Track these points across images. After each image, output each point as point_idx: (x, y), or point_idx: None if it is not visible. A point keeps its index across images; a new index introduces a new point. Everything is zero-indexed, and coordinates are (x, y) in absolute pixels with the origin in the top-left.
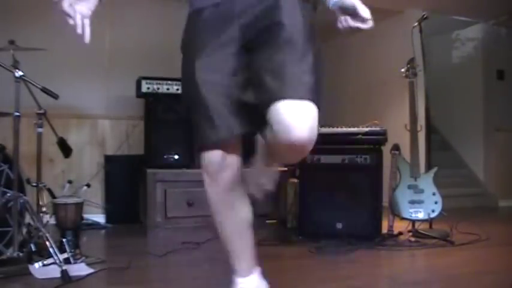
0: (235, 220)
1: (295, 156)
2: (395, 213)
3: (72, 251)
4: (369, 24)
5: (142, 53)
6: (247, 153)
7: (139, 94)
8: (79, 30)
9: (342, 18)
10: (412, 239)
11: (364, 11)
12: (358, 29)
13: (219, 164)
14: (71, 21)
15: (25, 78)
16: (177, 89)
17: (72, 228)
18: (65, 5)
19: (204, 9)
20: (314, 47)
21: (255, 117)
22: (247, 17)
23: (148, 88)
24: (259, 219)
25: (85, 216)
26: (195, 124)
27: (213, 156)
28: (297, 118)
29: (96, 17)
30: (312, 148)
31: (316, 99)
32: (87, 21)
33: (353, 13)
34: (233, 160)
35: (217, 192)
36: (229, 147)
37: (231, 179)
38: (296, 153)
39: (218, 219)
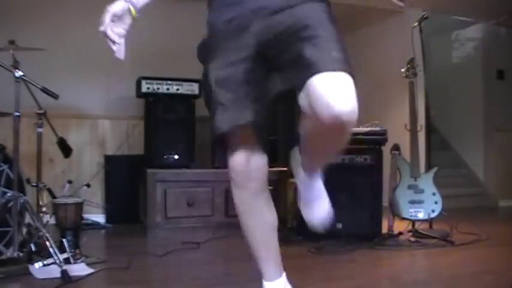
0: (262, 225)
1: (339, 137)
2: (395, 213)
3: (72, 251)
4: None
5: (142, 53)
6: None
7: (139, 94)
8: (118, 53)
9: None
10: (412, 239)
11: None
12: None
13: (246, 173)
14: (114, 47)
15: (25, 78)
16: (177, 89)
17: (72, 228)
18: (108, 32)
19: (217, 25)
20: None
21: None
22: (262, 24)
23: (148, 88)
24: None
25: (85, 216)
26: (211, 118)
27: (238, 165)
28: (336, 90)
29: (96, 17)
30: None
31: (352, 70)
32: (122, 41)
33: None
34: (258, 165)
35: (245, 200)
36: (248, 144)
37: (259, 188)
38: (341, 132)
39: (245, 225)
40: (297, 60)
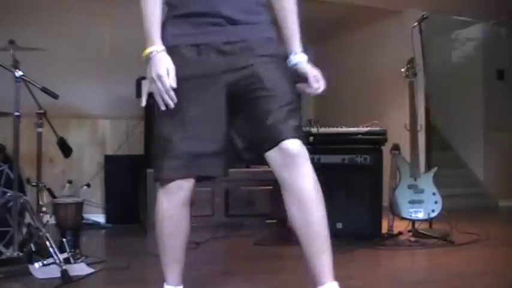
0: (182, 234)
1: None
2: (395, 213)
3: (72, 251)
4: (319, 91)
5: (142, 53)
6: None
7: (140, 94)
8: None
9: (298, 85)
10: (412, 238)
11: (316, 80)
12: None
13: (177, 186)
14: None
15: (25, 78)
16: None
17: (72, 228)
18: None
19: (179, 46)
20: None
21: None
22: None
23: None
24: (259, 219)
25: (85, 216)
26: (159, 148)
27: (172, 183)
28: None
29: (96, 17)
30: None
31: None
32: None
33: (305, 80)
34: (190, 184)
35: (172, 207)
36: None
37: (187, 198)
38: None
39: (165, 231)
40: (258, 124)
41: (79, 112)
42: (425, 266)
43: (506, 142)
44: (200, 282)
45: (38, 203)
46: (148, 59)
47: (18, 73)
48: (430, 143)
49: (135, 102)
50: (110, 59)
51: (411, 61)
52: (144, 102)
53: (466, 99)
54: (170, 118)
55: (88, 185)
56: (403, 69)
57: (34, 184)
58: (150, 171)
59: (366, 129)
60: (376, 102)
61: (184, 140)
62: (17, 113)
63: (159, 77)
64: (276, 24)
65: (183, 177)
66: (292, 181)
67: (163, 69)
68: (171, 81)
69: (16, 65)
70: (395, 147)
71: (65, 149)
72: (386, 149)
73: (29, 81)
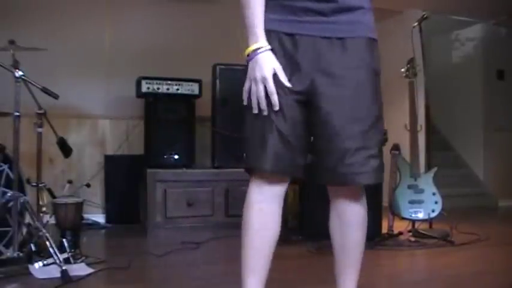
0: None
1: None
2: (395, 213)
3: (72, 251)
4: None
5: (142, 53)
6: None
7: (139, 94)
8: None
9: None
10: (412, 239)
11: None
12: None
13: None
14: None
15: (25, 78)
16: (177, 89)
17: (72, 228)
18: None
19: (273, 32)
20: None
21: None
22: (317, 66)
23: (148, 88)
24: None
25: (85, 216)
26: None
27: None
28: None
29: (96, 16)
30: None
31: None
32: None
33: None
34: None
35: (261, 201)
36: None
37: (279, 193)
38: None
39: (247, 232)
40: (331, 154)
41: (79, 112)
42: (425, 266)
43: (506, 142)
44: (200, 282)
45: (38, 203)
46: (250, 57)
47: (18, 73)
48: (430, 143)
49: (135, 102)
50: (110, 59)
51: (411, 61)
52: (246, 102)
53: (466, 99)
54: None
55: (88, 185)
56: (403, 69)
57: (34, 184)
58: (150, 171)
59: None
60: None
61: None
62: (17, 113)
63: (264, 80)
64: None
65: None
66: (340, 204)
67: (269, 69)
68: (284, 81)
69: (16, 65)
70: (396, 147)
71: (65, 149)
72: (386, 149)
73: (29, 81)
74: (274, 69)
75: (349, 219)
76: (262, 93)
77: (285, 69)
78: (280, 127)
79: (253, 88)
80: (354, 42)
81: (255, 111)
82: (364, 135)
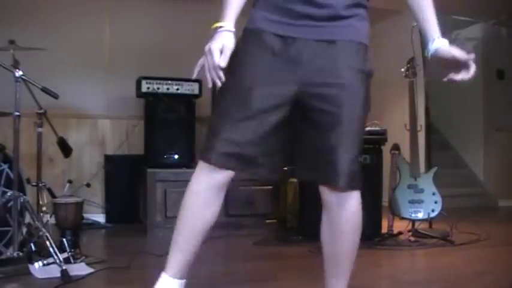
0: (203, 218)
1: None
2: (395, 213)
3: (72, 250)
4: (471, 73)
5: (142, 53)
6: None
7: (139, 94)
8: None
9: (445, 72)
10: (412, 238)
11: (463, 56)
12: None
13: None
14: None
15: (25, 78)
16: (177, 89)
17: (72, 228)
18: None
19: (264, 32)
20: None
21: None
22: (309, 67)
23: (148, 88)
24: (259, 219)
25: (85, 216)
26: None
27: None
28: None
29: (96, 16)
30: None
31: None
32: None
33: (453, 62)
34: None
35: (204, 185)
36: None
37: (225, 181)
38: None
39: (186, 212)
40: (324, 155)
41: (79, 112)
42: (425, 266)
43: (506, 142)
44: (200, 282)
45: (38, 203)
46: (211, 34)
47: (18, 73)
48: (430, 143)
49: (135, 102)
50: (110, 59)
51: (411, 61)
52: (195, 75)
53: (466, 99)
54: None
55: (88, 185)
56: (403, 69)
57: (34, 184)
58: (150, 171)
59: (365, 129)
60: (376, 102)
61: None
62: (17, 113)
63: (210, 51)
64: None
65: None
66: (334, 209)
67: (218, 44)
68: (221, 60)
69: (16, 65)
70: (396, 147)
71: (65, 148)
72: (386, 149)
73: (29, 81)
74: (223, 45)
75: (340, 228)
76: (208, 65)
77: (272, 67)
78: (238, 123)
79: (202, 60)
80: (345, 45)
81: (209, 85)
82: (352, 136)
